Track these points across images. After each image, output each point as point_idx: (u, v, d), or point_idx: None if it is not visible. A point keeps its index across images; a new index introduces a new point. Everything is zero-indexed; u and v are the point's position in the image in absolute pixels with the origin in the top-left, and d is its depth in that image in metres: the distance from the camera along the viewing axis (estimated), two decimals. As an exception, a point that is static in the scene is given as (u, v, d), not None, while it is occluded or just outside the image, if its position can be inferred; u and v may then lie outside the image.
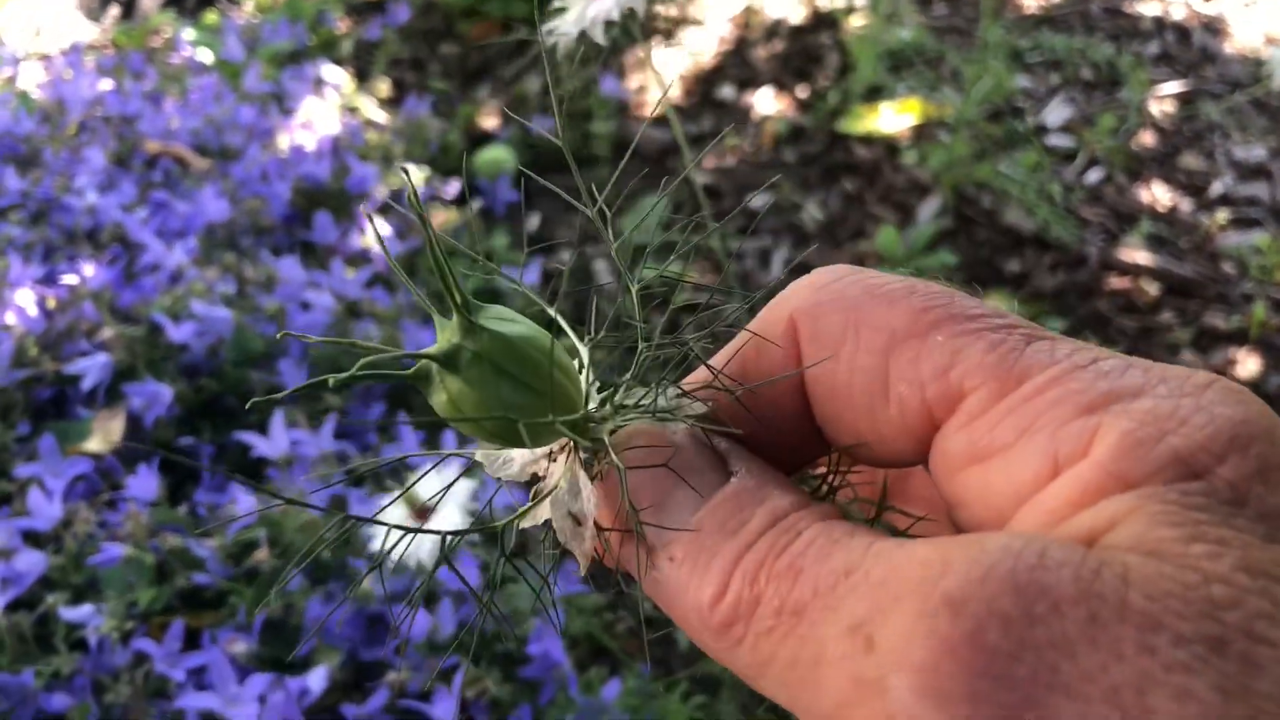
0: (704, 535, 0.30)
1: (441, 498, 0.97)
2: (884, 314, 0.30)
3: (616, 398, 0.34)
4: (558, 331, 0.35)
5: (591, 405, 0.34)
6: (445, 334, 0.32)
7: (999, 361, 0.28)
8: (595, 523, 0.32)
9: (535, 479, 0.35)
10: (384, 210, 1.76)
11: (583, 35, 0.77)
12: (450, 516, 0.93)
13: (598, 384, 0.36)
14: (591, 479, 0.33)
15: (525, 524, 0.35)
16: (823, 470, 0.35)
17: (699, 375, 0.34)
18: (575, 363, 0.36)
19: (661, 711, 1.11)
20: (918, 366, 0.29)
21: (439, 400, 0.32)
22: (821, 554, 0.28)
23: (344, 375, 0.31)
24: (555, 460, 0.35)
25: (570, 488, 0.33)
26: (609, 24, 0.77)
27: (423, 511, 0.94)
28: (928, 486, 0.37)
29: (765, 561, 0.29)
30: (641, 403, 0.33)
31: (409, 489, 0.44)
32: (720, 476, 0.32)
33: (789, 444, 0.34)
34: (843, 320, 0.31)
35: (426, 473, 0.41)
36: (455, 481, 0.42)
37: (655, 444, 0.32)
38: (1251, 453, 0.25)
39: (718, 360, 0.34)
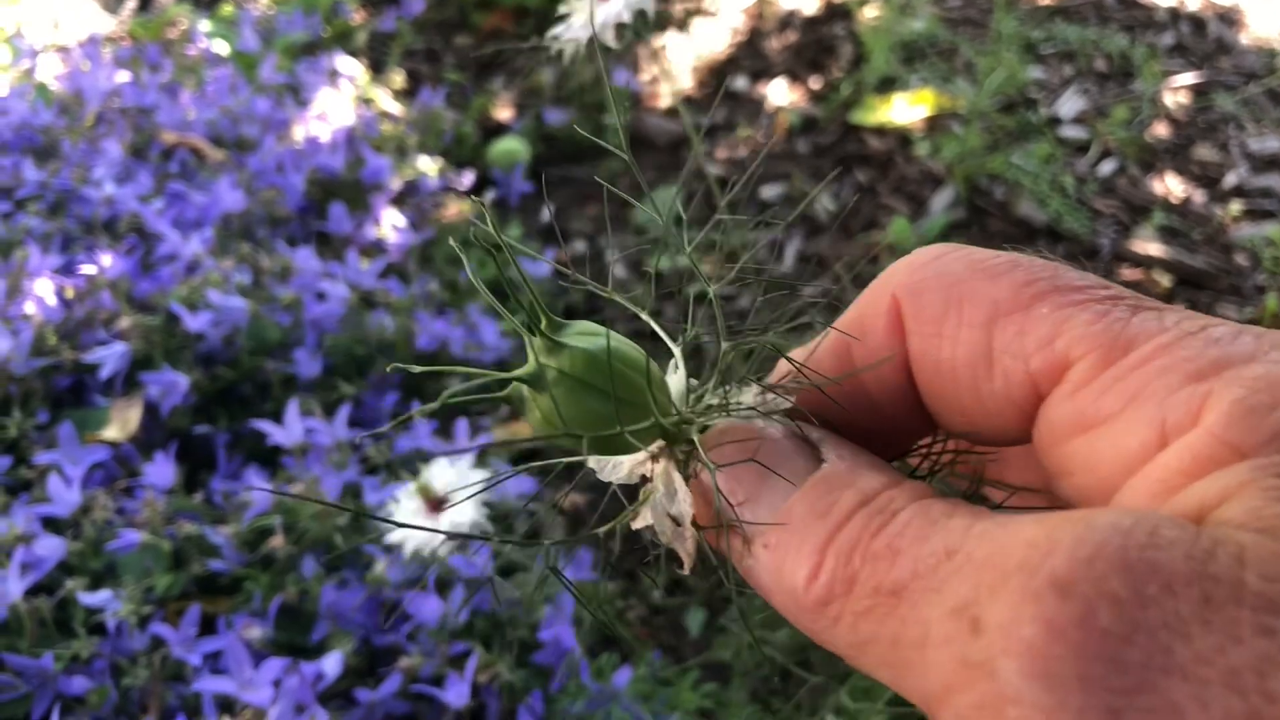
0: (796, 519, 0.30)
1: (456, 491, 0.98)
2: (987, 288, 0.30)
3: (705, 398, 0.35)
4: (650, 336, 0.36)
5: (682, 407, 0.35)
6: (532, 354, 0.33)
7: (1105, 330, 0.28)
8: (693, 522, 0.33)
9: (644, 480, 0.36)
10: (398, 201, 1.77)
11: (592, 39, 0.77)
12: (465, 509, 0.94)
13: (691, 383, 0.36)
14: (686, 479, 0.34)
15: (636, 525, 0.35)
16: (923, 451, 0.35)
17: (791, 367, 0.34)
18: (669, 363, 0.37)
19: (672, 698, 1.12)
20: (1022, 339, 0.29)
21: (533, 418, 0.33)
22: (919, 534, 0.28)
23: (433, 406, 0.33)
24: (656, 462, 0.35)
25: (666, 490, 0.34)
26: (620, 26, 0.77)
27: (436, 503, 0.95)
28: (1020, 461, 0.38)
29: (860, 541, 0.29)
30: (731, 401, 0.34)
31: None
32: (811, 464, 0.32)
33: (894, 428, 0.34)
34: (945, 296, 0.31)
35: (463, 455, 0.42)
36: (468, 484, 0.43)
37: (744, 439, 0.32)
38: None
39: (816, 351, 0.34)
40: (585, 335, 0.33)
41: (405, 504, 0.96)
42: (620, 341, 0.33)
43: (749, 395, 0.34)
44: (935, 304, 0.31)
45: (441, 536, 0.92)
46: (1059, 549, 0.24)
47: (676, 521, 0.33)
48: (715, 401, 0.34)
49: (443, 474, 0.96)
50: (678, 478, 0.33)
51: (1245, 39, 2.20)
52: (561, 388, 0.32)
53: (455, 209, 1.82)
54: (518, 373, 0.33)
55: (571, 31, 0.79)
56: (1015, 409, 0.30)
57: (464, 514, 0.94)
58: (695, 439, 0.33)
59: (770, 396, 0.33)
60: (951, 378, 0.31)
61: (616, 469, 0.36)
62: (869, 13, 2.27)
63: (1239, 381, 0.25)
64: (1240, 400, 0.25)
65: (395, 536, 0.94)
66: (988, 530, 0.26)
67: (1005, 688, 0.24)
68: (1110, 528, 0.24)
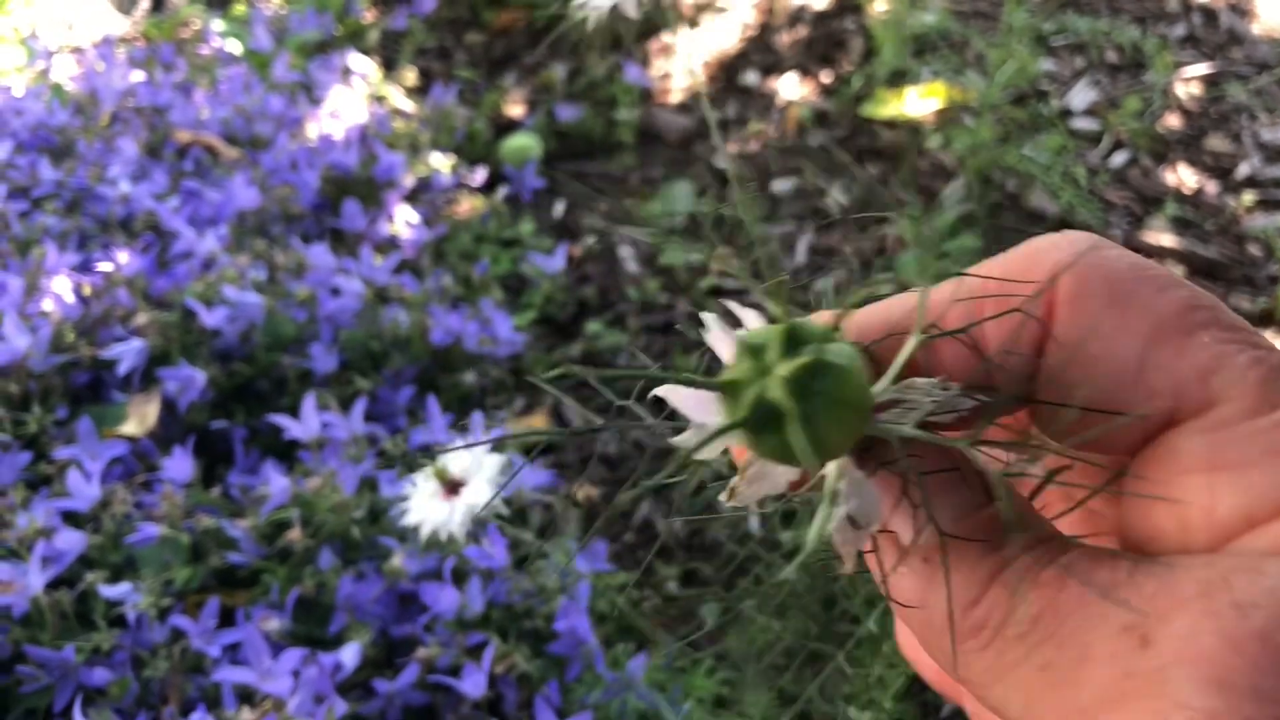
0: (967, 543, 0.30)
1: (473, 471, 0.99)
2: (1153, 298, 0.29)
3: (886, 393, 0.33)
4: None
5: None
6: (757, 387, 0.29)
7: (1261, 379, 0.28)
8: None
9: (791, 487, 0.33)
10: (412, 197, 1.78)
11: (614, 9, 0.77)
12: (480, 491, 0.95)
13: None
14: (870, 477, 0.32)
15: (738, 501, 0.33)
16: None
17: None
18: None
19: (687, 686, 1.13)
20: (1179, 360, 0.29)
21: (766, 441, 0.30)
22: (1087, 570, 0.28)
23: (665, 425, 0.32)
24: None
25: (851, 491, 0.31)
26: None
27: (452, 485, 0.96)
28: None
29: (1028, 573, 0.29)
30: (912, 397, 0.32)
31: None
32: (981, 496, 0.31)
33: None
34: (1109, 291, 0.30)
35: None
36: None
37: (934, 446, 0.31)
38: None
39: (994, 338, 0.32)
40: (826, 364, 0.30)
41: (423, 487, 0.96)
42: (852, 362, 0.30)
43: (940, 395, 0.32)
44: (1099, 297, 0.30)
45: (458, 520, 0.93)
46: (1236, 583, 0.25)
47: (855, 524, 0.31)
48: (897, 396, 0.32)
49: (459, 458, 0.97)
50: (867, 479, 0.32)
51: (1257, 29, 2.19)
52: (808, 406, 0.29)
53: (468, 205, 1.83)
54: (739, 418, 0.29)
55: (594, 1, 0.79)
56: (1143, 426, 0.30)
57: (480, 495, 0.94)
58: (895, 442, 0.31)
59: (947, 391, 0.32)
60: (1089, 375, 0.30)
61: (761, 480, 0.33)
62: (879, 6, 2.27)
63: None
64: None
65: (412, 519, 0.95)
66: (1154, 569, 0.27)
67: (1177, 695, 0.24)
68: None
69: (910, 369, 0.32)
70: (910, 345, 0.33)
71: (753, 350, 0.29)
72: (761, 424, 0.29)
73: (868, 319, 0.33)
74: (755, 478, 0.33)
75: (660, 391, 0.33)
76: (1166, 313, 0.29)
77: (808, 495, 0.34)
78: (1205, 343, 0.29)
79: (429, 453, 1.17)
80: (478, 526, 1.13)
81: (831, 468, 0.32)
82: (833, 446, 0.29)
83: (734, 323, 0.35)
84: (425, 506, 0.97)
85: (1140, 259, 0.31)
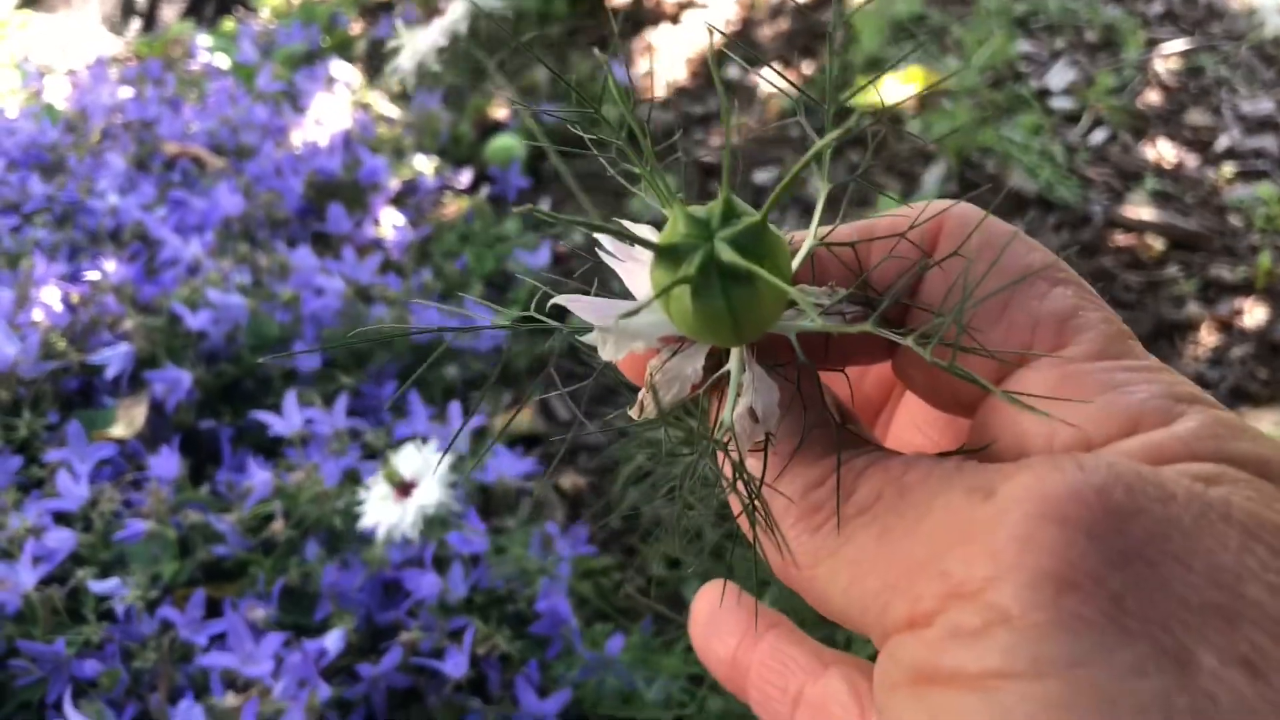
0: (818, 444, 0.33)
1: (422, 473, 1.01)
2: (1025, 252, 0.33)
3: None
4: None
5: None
6: (694, 258, 0.31)
7: (1107, 332, 0.31)
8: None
9: (693, 389, 0.35)
10: (397, 200, 1.81)
11: (420, 67, 0.80)
12: (430, 491, 0.97)
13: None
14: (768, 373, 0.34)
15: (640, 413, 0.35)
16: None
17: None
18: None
19: (664, 665, 1.14)
20: (1041, 302, 0.32)
21: (674, 308, 0.32)
22: (935, 459, 0.31)
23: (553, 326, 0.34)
24: (722, 359, 0.35)
25: (755, 384, 0.33)
26: (440, 50, 0.80)
27: (404, 487, 0.98)
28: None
29: (874, 462, 0.31)
30: (820, 302, 0.34)
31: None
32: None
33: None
34: (987, 239, 0.33)
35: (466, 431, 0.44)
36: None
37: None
38: None
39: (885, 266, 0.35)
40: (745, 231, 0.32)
41: (376, 490, 0.99)
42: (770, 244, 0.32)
43: (827, 300, 0.34)
44: (974, 240, 0.34)
45: (409, 521, 0.95)
46: (1083, 457, 0.27)
47: (755, 418, 0.33)
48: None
49: (410, 459, 0.99)
50: (764, 373, 0.34)
51: (1235, 3, 2.20)
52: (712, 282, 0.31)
53: (454, 206, 1.86)
54: (680, 276, 0.31)
55: (404, 62, 0.83)
56: (993, 363, 0.32)
57: (430, 495, 0.97)
58: (793, 339, 0.34)
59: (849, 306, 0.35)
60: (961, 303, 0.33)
61: (674, 377, 0.35)
62: (860, -3, 2.29)
63: (1211, 414, 0.29)
64: (1210, 424, 0.28)
65: (367, 522, 0.98)
66: (1005, 463, 0.29)
67: (1012, 529, 0.26)
68: (1125, 455, 0.28)
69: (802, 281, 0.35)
70: (807, 245, 0.36)
71: (695, 221, 0.32)
72: (705, 284, 0.31)
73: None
74: (661, 385, 0.35)
75: (561, 299, 0.35)
76: (1035, 264, 0.33)
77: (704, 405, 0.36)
78: (1066, 295, 0.32)
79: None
80: (456, 517, 1.15)
81: (734, 363, 0.34)
82: (766, 312, 0.32)
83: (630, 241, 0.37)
84: (379, 509, 0.99)
85: (1013, 228, 0.34)
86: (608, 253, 0.37)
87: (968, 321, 0.33)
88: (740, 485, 0.33)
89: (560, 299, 0.35)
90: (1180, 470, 0.27)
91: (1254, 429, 0.29)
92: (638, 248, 0.37)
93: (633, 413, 0.36)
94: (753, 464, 0.33)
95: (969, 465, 0.29)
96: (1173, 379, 0.30)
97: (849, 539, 0.30)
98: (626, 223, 0.36)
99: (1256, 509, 0.26)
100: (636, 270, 0.37)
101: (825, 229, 0.37)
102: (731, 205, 0.32)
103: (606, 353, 0.35)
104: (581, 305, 0.35)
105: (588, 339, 0.35)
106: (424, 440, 1.09)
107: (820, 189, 0.38)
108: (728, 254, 0.30)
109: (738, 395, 0.34)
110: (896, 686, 0.28)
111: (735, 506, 0.34)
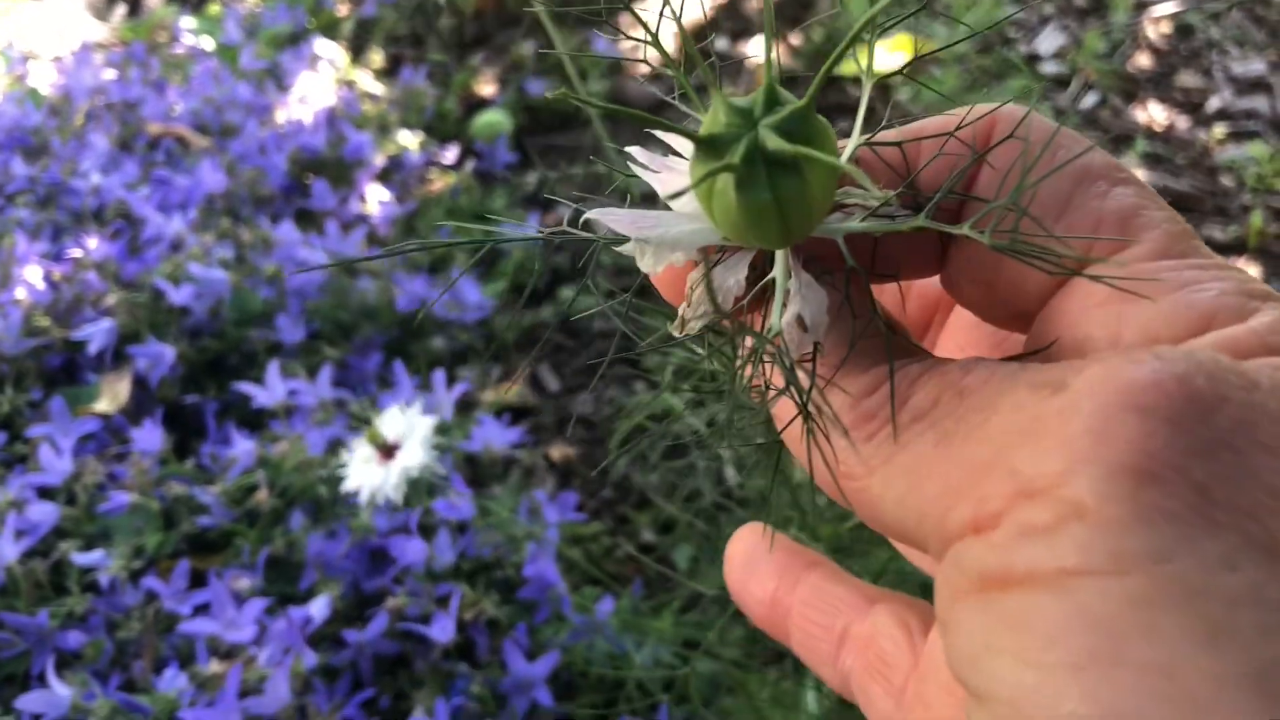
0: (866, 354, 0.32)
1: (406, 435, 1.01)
2: (1081, 149, 0.32)
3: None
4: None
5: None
6: (737, 148, 0.29)
7: (1171, 232, 0.30)
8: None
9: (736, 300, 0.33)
10: (383, 176, 1.80)
11: None
12: (414, 453, 0.97)
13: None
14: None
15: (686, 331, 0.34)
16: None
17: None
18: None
19: (654, 629, 1.14)
20: (1103, 200, 0.31)
21: (717, 206, 0.30)
22: (994, 362, 0.29)
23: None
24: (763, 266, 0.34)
25: (802, 290, 0.32)
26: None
27: (387, 449, 0.98)
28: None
29: (929, 368, 0.30)
30: (866, 205, 0.33)
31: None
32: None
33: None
34: (1043, 139, 0.32)
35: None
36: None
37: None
38: None
39: (933, 158, 0.34)
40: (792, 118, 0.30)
41: (359, 452, 0.98)
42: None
43: (860, 198, 0.33)
44: (1034, 141, 0.32)
45: (393, 483, 0.94)
46: (1159, 349, 0.25)
47: (803, 325, 0.31)
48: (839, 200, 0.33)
49: (394, 422, 0.99)
50: (812, 280, 0.32)
51: (1225, -35, 2.19)
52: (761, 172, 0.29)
53: (441, 182, 1.85)
54: (725, 163, 0.29)
55: None
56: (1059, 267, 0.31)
57: (414, 457, 0.96)
58: (842, 244, 0.32)
59: (903, 211, 0.32)
60: (1019, 204, 0.31)
61: (731, 271, 0.34)
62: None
63: None
64: None
65: (350, 485, 0.97)
66: (1075, 360, 0.27)
67: (1088, 420, 0.24)
68: (1206, 345, 0.26)
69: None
70: (853, 143, 0.34)
71: (737, 110, 0.30)
72: (750, 174, 0.29)
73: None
74: (702, 298, 0.33)
75: (594, 214, 0.33)
76: (1094, 164, 0.31)
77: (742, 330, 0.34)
78: (1128, 194, 0.31)
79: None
80: (441, 480, 1.14)
81: (779, 269, 0.33)
82: (815, 205, 0.30)
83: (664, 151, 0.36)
84: (361, 471, 0.98)
85: (1070, 129, 0.32)
86: (641, 165, 0.35)
87: (1027, 207, 0.31)
88: (792, 393, 0.31)
89: (593, 213, 0.33)
90: (1262, 363, 0.26)
91: None
92: (673, 158, 0.35)
93: (673, 329, 0.34)
94: (801, 376, 0.32)
95: (1033, 365, 0.28)
96: (1243, 276, 0.29)
97: (905, 446, 0.28)
98: (660, 133, 0.35)
99: None
100: (674, 181, 0.35)
101: (869, 133, 0.34)
102: (774, 93, 0.30)
103: (645, 264, 0.33)
104: (616, 218, 0.33)
105: (625, 249, 0.33)
106: (407, 404, 1.08)
107: (865, 84, 0.35)
108: (774, 141, 0.29)
109: (784, 304, 0.32)
110: (963, 595, 0.26)
111: (781, 419, 0.32)
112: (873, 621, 0.37)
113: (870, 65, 0.36)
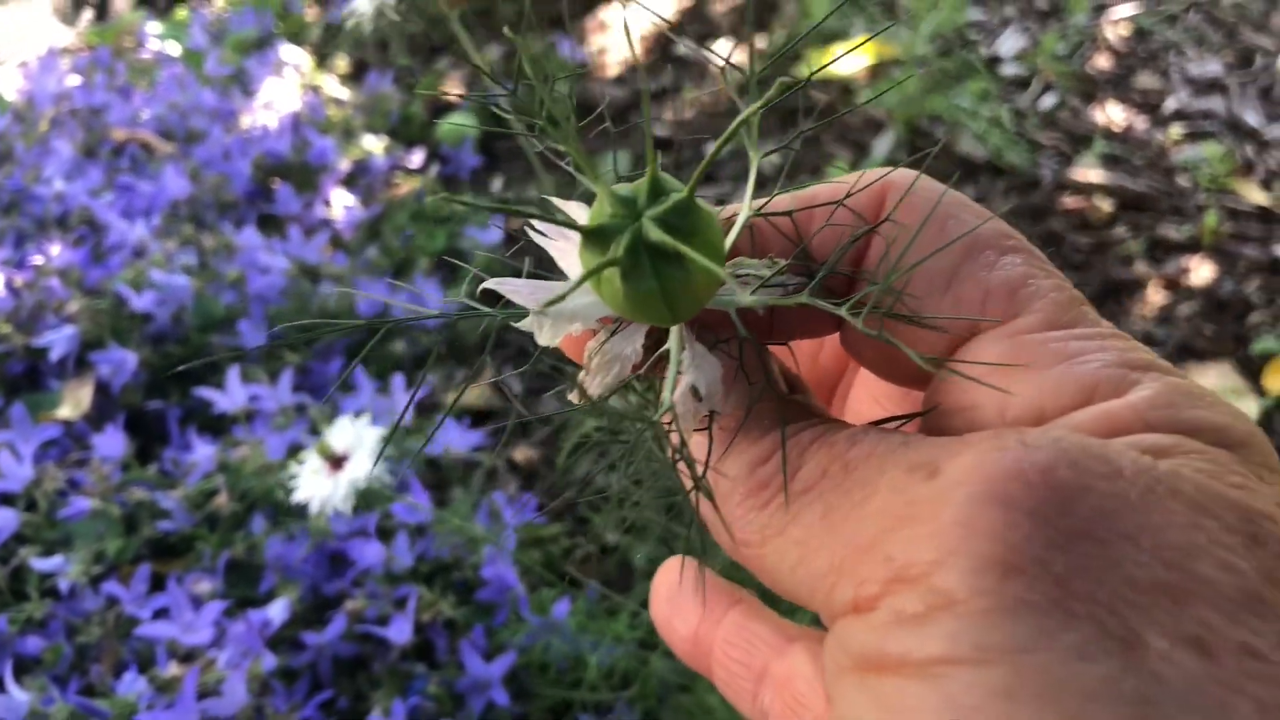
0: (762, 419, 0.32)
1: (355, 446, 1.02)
2: (973, 220, 0.32)
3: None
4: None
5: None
6: (621, 239, 0.30)
7: (1059, 300, 0.30)
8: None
9: (634, 369, 0.34)
10: (348, 181, 1.81)
11: (378, 9, 0.79)
12: (362, 465, 0.98)
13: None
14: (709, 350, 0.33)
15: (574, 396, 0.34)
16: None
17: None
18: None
19: (610, 630, 1.15)
20: (990, 271, 0.31)
21: (606, 290, 0.31)
22: (880, 434, 0.29)
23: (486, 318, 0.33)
24: (656, 339, 0.34)
25: (696, 362, 0.32)
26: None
27: (336, 460, 0.99)
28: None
29: (819, 437, 0.30)
30: (759, 274, 0.33)
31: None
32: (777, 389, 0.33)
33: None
34: (929, 206, 0.32)
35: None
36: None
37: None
38: (1260, 445, 0.28)
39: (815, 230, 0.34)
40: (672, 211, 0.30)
41: (309, 464, 0.99)
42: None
43: (766, 270, 0.33)
44: (920, 209, 0.32)
45: (341, 494, 0.95)
46: (1028, 432, 0.26)
47: (697, 395, 0.32)
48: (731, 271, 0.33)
49: (344, 433, 1.00)
50: (706, 352, 0.32)
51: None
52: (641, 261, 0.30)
53: (406, 186, 1.86)
54: (609, 259, 0.29)
55: (362, 4, 0.81)
56: (946, 336, 0.31)
57: (362, 469, 0.97)
58: (734, 315, 0.32)
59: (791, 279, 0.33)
60: (906, 278, 0.32)
61: (628, 341, 0.34)
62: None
63: (1164, 382, 0.28)
64: (1164, 392, 0.28)
65: (300, 496, 0.98)
66: (951, 437, 0.28)
67: (955, 513, 0.25)
68: (1072, 428, 0.27)
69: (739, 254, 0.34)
70: (743, 216, 0.35)
71: (621, 200, 0.30)
72: (634, 265, 0.30)
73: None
74: (599, 367, 0.34)
75: (491, 284, 0.34)
76: (982, 234, 0.31)
77: (647, 379, 0.35)
78: (1016, 262, 0.31)
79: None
80: (391, 490, 1.15)
81: (674, 342, 0.33)
82: (699, 291, 0.30)
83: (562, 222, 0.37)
84: (311, 482, 1.00)
85: (961, 195, 0.33)
86: (539, 233, 0.36)
87: (906, 289, 0.31)
88: (687, 464, 0.32)
89: (491, 283, 0.34)
90: (1131, 442, 0.26)
91: (1212, 395, 0.29)
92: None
93: (572, 396, 0.35)
94: (700, 441, 0.33)
95: (914, 440, 0.28)
96: (1126, 345, 0.29)
97: (795, 518, 0.29)
98: (556, 200, 0.36)
99: (1207, 482, 0.25)
100: (569, 249, 0.36)
101: (761, 200, 0.35)
102: (658, 181, 0.31)
103: (543, 338, 0.34)
104: (514, 288, 0.34)
105: (523, 325, 0.34)
106: (357, 415, 1.10)
107: (752, 158, 0.37)
108: (655, 233, 0.29)
109: (679, 374, 0.32)
110: (844, 672, 0.27)
111: (686, 484, 0.33)
112: (790, 661, 0.38)
113: (754, 143, 0.37)
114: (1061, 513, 0.24)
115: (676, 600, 0.41)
